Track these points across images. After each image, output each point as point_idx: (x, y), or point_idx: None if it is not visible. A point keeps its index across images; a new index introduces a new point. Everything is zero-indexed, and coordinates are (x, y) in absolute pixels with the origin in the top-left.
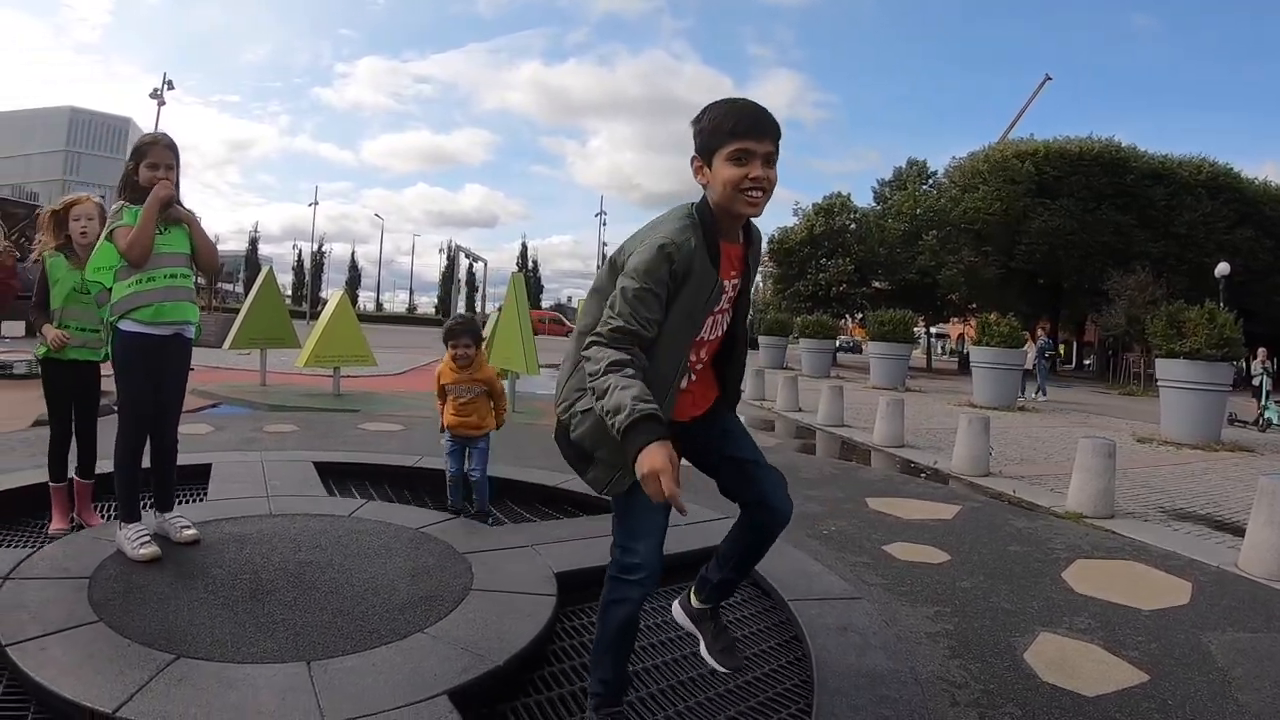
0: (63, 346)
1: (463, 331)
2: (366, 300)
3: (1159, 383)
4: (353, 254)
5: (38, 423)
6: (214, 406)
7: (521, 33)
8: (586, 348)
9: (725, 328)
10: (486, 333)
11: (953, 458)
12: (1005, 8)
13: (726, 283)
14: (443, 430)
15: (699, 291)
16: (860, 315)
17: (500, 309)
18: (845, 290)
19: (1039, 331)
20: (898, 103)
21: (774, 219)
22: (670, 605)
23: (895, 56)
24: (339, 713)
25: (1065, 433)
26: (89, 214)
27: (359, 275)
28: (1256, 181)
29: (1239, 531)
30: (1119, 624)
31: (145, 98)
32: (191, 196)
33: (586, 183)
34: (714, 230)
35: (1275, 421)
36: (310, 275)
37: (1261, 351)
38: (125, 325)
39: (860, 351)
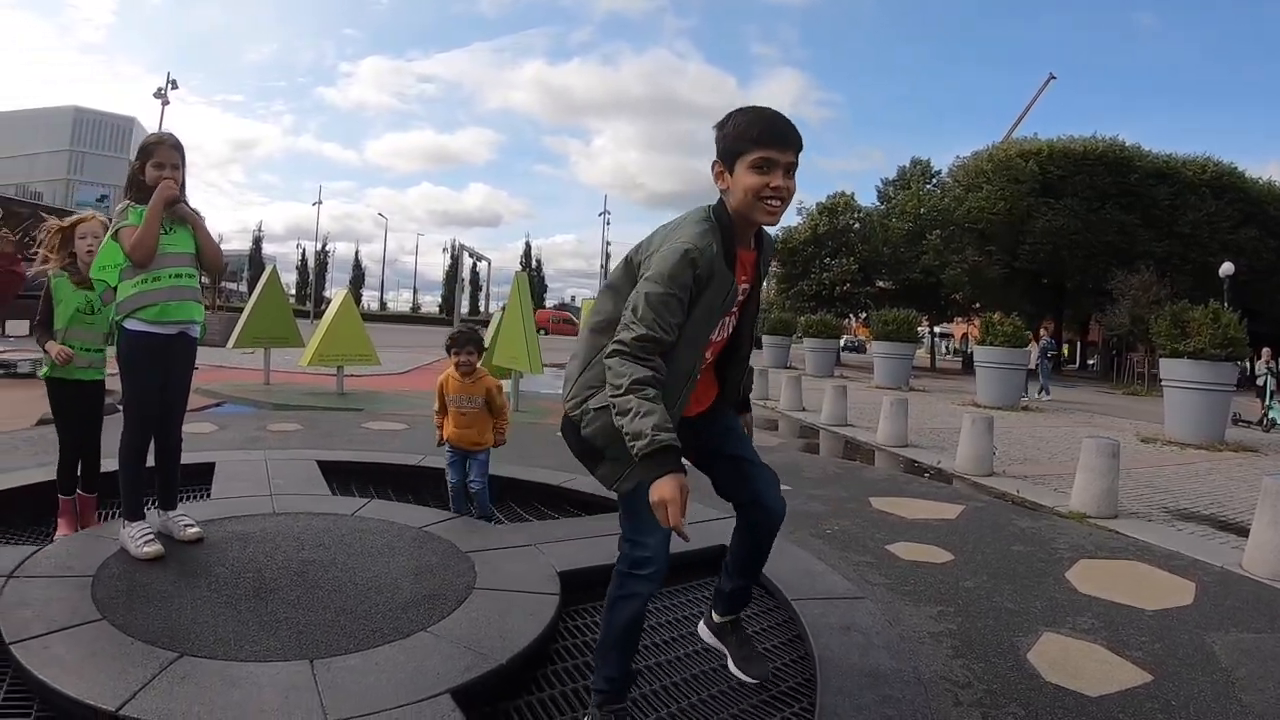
0: (68, 361)
1: (466, 340)
2: (370, 299)
3: (1163, 383)
4: (356, 253)
5: (41, 422)
6: (218, 405)
7: (525, 32)
8: (610, 355)
9: (731, 330)
10: (490, 331)
11: (956, 457)
12: (1009, 7)
13: (739, 286)
14: (441, 443)
15: (717, 294)
16: (864, 315)
17: (504, 308)
18: (849, 290)
19: (1042, 331)
20: (901, 102)
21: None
22: (670, 605)
23: (899, 55)
24: (342, 711)
25: (1069, 432)
26: (95, 233)
27: (363, 274)
28: (1261, 181)
29: (1243, 532)
30: (1122, 624)
31: (149, 97)
32: (195, 196)
33: (590, 182)
34: (731, 235)
35: (1279, 421)
36: (314, 274)
37: (1266, 351)
38: (131, 324)
39: (865, 351)
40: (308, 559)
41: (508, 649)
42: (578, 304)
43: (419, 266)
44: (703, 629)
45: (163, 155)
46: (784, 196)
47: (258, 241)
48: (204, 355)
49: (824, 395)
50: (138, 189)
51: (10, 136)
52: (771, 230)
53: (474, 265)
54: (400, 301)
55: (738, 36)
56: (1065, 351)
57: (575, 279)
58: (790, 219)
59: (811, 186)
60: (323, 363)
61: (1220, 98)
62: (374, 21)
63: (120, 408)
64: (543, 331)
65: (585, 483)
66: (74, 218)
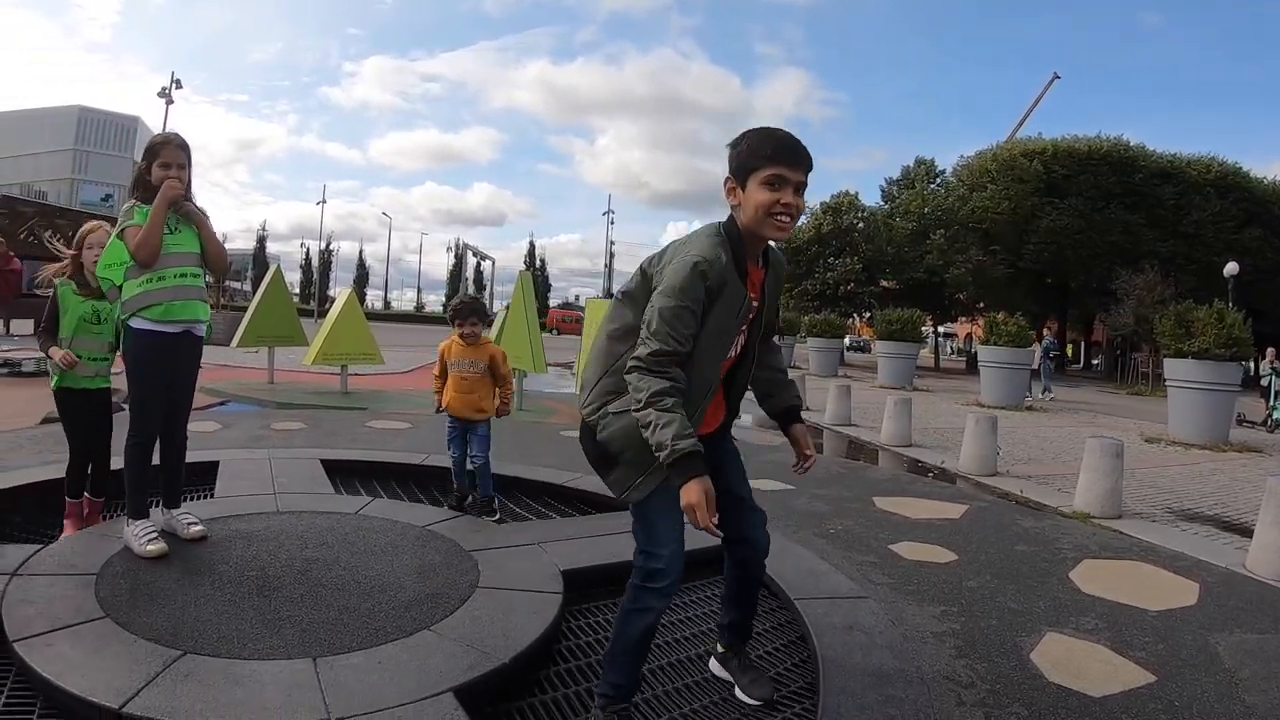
0: (72, 365)
1: (470, 311)
2: (374, 298)
3: (1167, 383)
4: (360, 252)
5: (46, 420)
6: (222, 404)
7: (529, 31)
8: (629, 371)
9: (740, 349)
10: (494, 331)
11: (960, 457)
12: (1013, 6)
13: (752, 299)
14: (439, 409)
15: (731, 306)
16: (868, 314)
17: (508, 308)
18: (853, 289)
19: (1045, 331)
20: (905, 101)
21: None
22: (674, 605)
23: (903, 55)
24: (345, 709)
25: (1073, 432)
26: (101, 243)
27: (367, 274)
28: (1265, 181)
29: (1247, 532)
30: (1126, 624)
31: (154, 97)
32: (199, 195)
33: (594, 181)
34: (741, 248)
35: None
36: (318, 273)
37: (1270, 351)
38: (136, 323)
39: (869, 350)
40: (311, 557)
41: (511, 648)
42: (581, 303)
43: (423, 265)
44: (713, 664)
45: (168, 155)
46: (793, 213)
47: (262, 241)
48: (208, 354)
49: (828, 395)
50: (144, 189)
51: (15, 136)
52: None
53: (478, 264)
54: (404, 301)
55: (742, 36)
56: (1070, 351)
57: (579, 278)
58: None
59: (816, 186)
60: (327, 362)
61: (1225, 97)
62: (377, 21)
63: (125, 406)
64: (553, 331)
65: (588, 481)
66: (84, 229)
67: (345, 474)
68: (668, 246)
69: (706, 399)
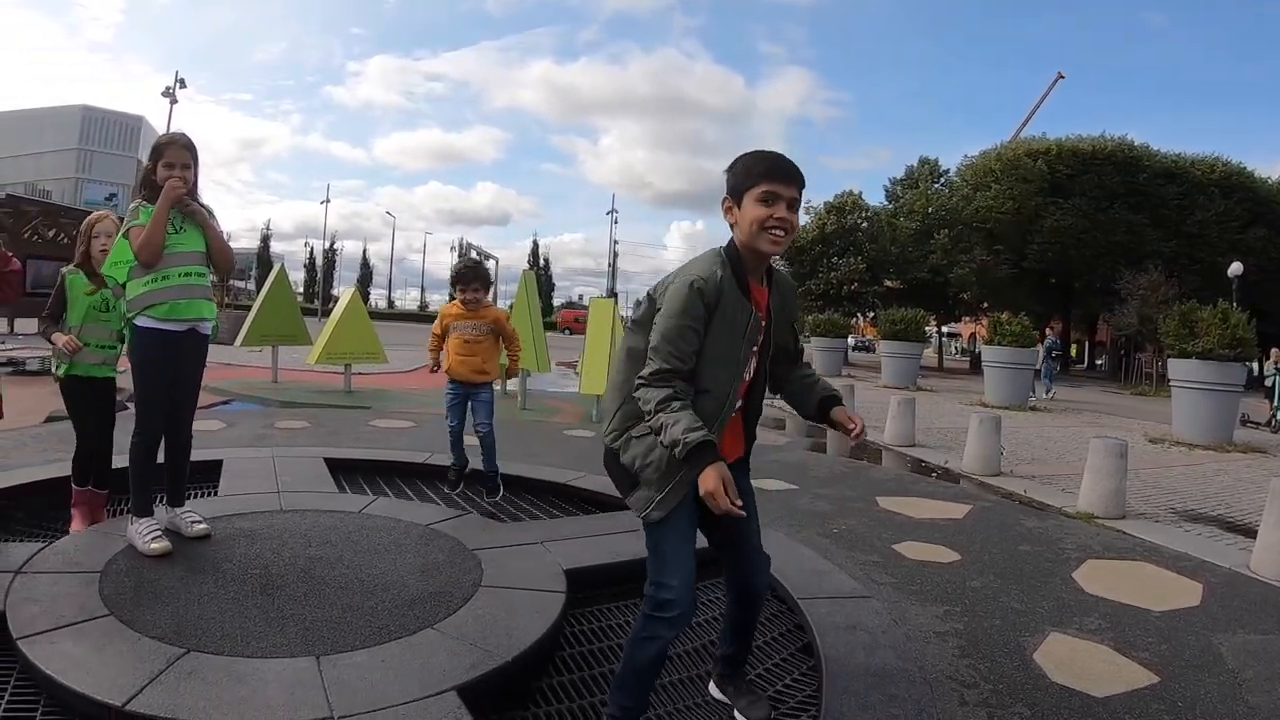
0: (75, 350)
1: (473, 276)
2: (378, 298)
3: (1171, 383)
4: (364, 252)
5: (50, 419)
6: (226, 403)
7: (532, 31)
8: (636, 390)
9: (753, 372)
10: None
11: (964, 457)
12: (1015, 6)
13: (760, 317)
14: (434, 368)
15: (734, 321)
16: (872, 314)
17: (512, 307)
18: (857, 289)
19: (1047, 331)
20: (909, 100)
21: None
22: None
23: (906, 54)
24: (348, 707)
25: (1077, 433)
26: (109, 232)
27: (370, 273)
28: (1270, 181)
29: (1251, 533)
30: (1129, 625)
31: (158, 96)
32: (204, 194)
33: (598, 181)
34: (740, 265)
35: None
36: (322, 273)
37: (1274, 352)
38: (142, 321)
39: (873, 350)
40: (315, 556)
41: (514, 647)
42: (585, 302)
43: (427, 265)
44: (713, 688)
45: (171, 155)
46: (787, 228)
47: (266, 240)
48: (212, 353)
49: None
50: (150, 189)
51: (19, 135)
52: None
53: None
54: (408, 300)
55: (745, 35)
56: (1074, 352)
57: (583, 278)
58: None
59: (819, 186)
60: (330, 360)
61: (1228, 97)
62: (381, 20)
63: (130, 405)
64: (566, 331)
65: (592, 481)
66: (91, 217)
67: (349, 473)
68: (672, 272)
69: (720, 419)
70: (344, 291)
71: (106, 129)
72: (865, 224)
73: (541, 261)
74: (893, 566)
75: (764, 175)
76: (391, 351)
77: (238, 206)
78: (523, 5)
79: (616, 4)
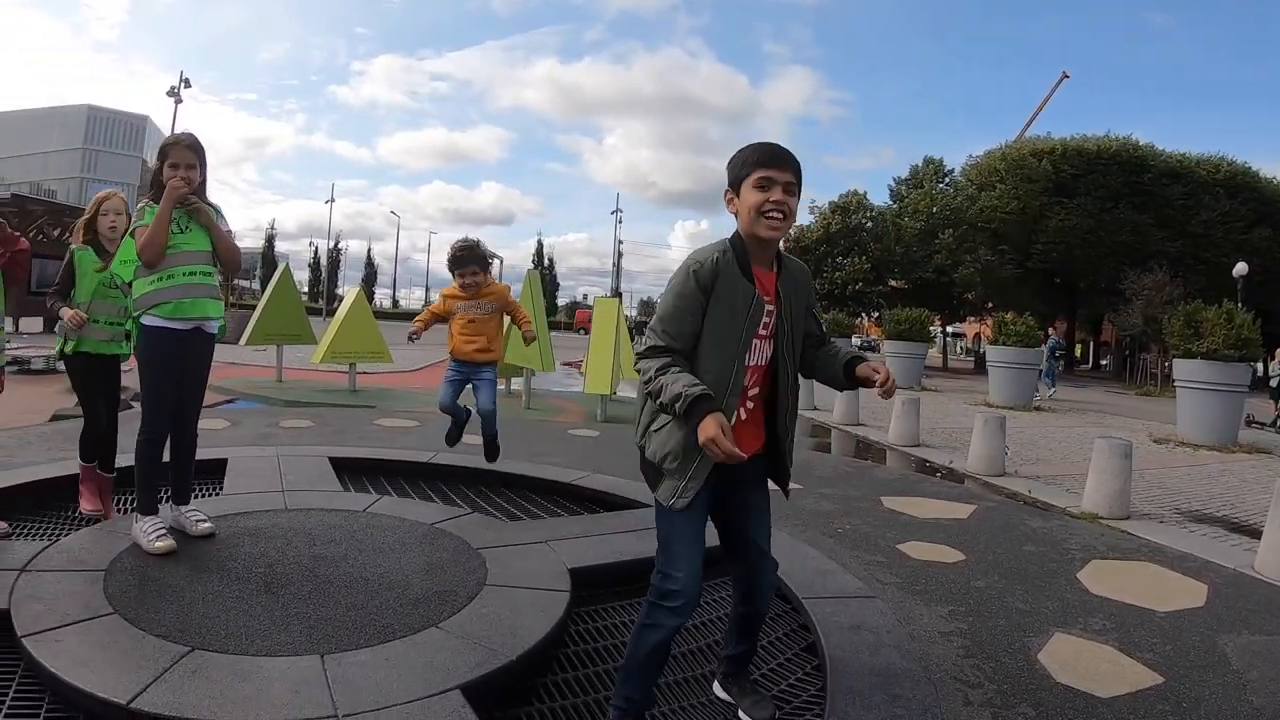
0: (82, 324)
1: (469, 259)
2: (383, 297)
3: (1176, 383)
4: (369, 251)
5: (55, 417)
6: (230, 402)
7: (537, 30)
8: (635, 364)
9: (768, 359)
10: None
11: (968, 457)
12: (1017, 6)
13: (763, 299)
14: (413, 336)
15: (734, 302)
16: (876, 314)
17: None
18: (861, 289)
19: (1050, 331)
20: (911, 101)
21: None
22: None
23: (911, 54)
24: (352, 706)
25: (1081, 433)
26: (117, 209)
27: (375, 272)
28: (1275, 181)
29: (1255, 534)
30: (1134, 625)
31: (163, 96)
32: (209, 194)
33: (602, 180)
34: (744, 251)
35: None
36: (326, 272)
37: (1279, 352)
38: (147, 320)
39: (878, 350)
40: (319, 555)
41: (518, 646)
42: (590, 302)
43: (431, 264)
44: (717, 688)
45: (176, 155)
46: (784, 211)
47: (270, 239)
48: (217, 352)
49: (836, 394)
50: (157, 189)
51: (24, 135)
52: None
53: None
54: (413, 299)
55: (750, 35)
56: (1079, 352)
57: (587, 277)
58: (803, 218)
59: (823, 185)
60: (335, 360)
61: (1232, 97)
62: (386, 20)
63: (134, 404)
64: (581, 331)
65: (597, 480)
66: (98, 196)
67: (353, 472)
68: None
69: (728, 399)
70: (349, 291)
71: (111, 129)
72: (870, 224)
73: (546, 261)
74: (897, 566)
75: (758, 162)
76: (396, 351)
77: (242, 206)
78: (527, 5)
79: (621, 3)
